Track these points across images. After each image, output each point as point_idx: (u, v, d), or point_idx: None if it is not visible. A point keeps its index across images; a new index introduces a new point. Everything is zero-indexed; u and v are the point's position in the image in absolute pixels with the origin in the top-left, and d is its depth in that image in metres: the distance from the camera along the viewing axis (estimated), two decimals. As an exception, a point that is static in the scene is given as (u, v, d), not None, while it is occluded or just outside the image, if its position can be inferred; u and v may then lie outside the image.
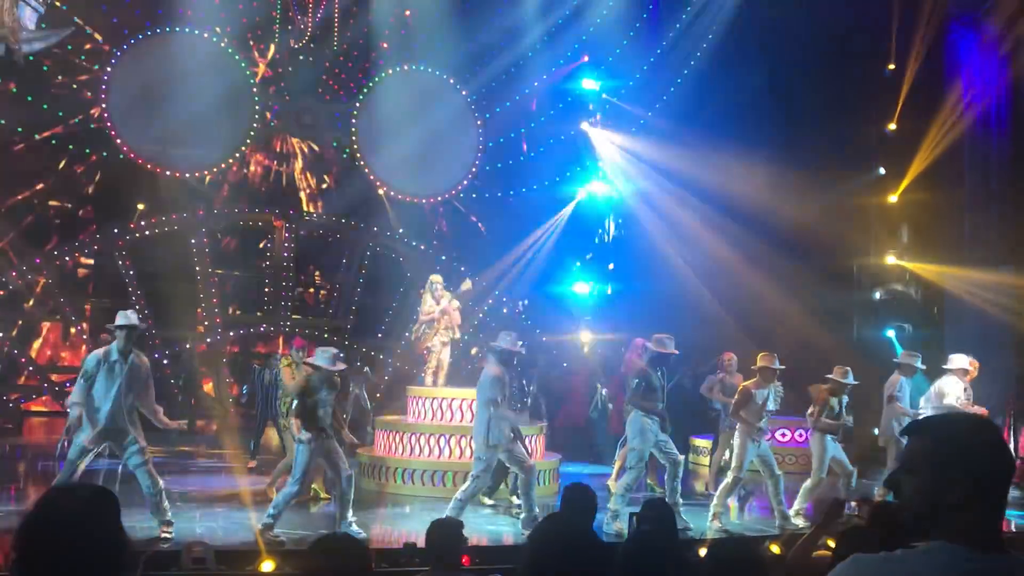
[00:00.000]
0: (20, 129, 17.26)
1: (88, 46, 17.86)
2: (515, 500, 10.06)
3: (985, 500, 1.95)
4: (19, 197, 17.85)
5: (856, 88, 17.03)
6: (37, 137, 17.62)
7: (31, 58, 16.44)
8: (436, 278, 12.84)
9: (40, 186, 18.16)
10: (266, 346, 18.93)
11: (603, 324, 19.32)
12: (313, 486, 10.11)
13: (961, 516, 1.96)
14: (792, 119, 16.77)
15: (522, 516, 9.03)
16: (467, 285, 12.88)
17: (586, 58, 19.75)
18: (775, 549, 7.87)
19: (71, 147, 18.09)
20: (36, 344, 18.91)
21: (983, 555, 1.91)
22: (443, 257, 19.68)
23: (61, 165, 18.33)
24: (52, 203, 18.76)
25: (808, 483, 9.82)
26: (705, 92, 17.51)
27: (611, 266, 20.55)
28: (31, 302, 17.40)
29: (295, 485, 8.26)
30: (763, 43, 17.08)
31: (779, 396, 9.71)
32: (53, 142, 17.85)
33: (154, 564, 6.73)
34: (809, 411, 10.06)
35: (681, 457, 9.47)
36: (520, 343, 9.41)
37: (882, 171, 17.47)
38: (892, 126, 17.21)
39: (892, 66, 16.88)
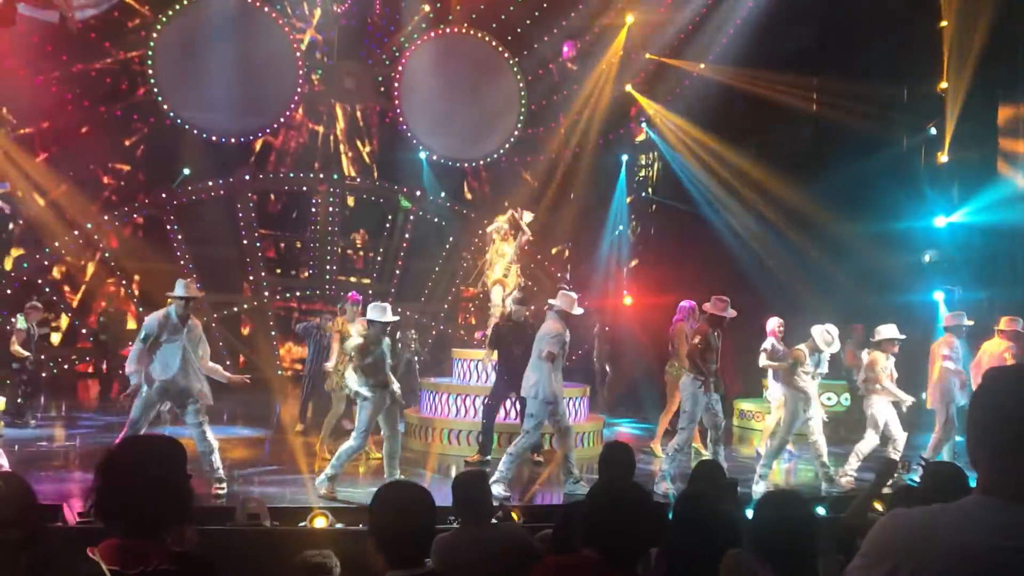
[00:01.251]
0: (69, 97, 17.52)
1: (136, 19, 17.99)
2: (535, 457, 10.39)
3: (1019, 452, 1.95)
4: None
5: (907, 46, 16.60)
6: (86, 104, 17.86)
7: (81, 26, 16.63)
8: (502, 218, 12.75)
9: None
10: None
11: (644, 288, 19.27)
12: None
13: (994, 468, 1.96)
14: (841, 76, 16.40)
15: (564, 477, 9.10)
16: (529, 216, 12.74)
17: (630, 15, 19.45)
18: (821, 511, 7.86)
19: (119, 114, 18.32)
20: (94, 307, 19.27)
21: (1018, 506, 1.92)
22: (485, 221, 19.69)
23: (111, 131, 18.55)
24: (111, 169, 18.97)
25: (861, 445, 9.75)
26: (752, 50, 17.19)
27: (653, 208, 20.33)
28: (92, 266, 17.80)
29: (358, 439, 8.40)
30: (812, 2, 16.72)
31: (826, 361, 9.66)
32: (102, 110, 18.07)
33: (210, 518, 6.90)
34: (861, 376, 9.98)
35: (723, 420, 9.47)
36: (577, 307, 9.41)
37: (933, 131, 17.08)
38: (944, 84, 16.79)
39: (944, 23, 16.44)
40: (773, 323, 11.38)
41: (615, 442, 5.67)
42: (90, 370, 18.11)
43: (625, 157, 20.33)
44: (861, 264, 15.50)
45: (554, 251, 21.11)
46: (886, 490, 5.49)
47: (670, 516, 4.12)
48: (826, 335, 9.50)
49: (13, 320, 12.76)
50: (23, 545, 2.58)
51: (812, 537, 3.19)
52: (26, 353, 12.24)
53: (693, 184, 18.63)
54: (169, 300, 8.32)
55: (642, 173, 21.10)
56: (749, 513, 7.06)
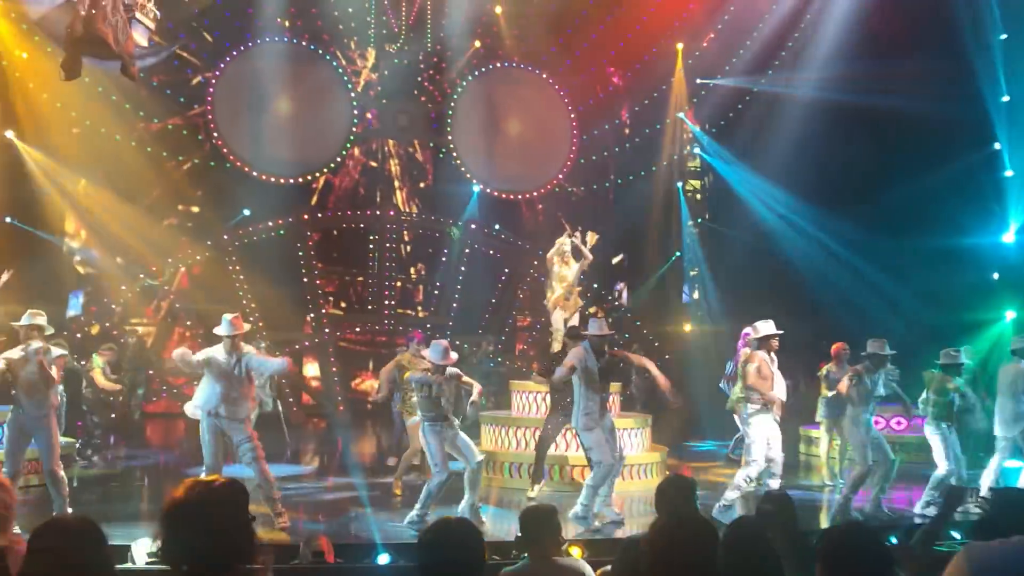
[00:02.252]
0: (133, 143, 18.08)
1: (195, 71, 18.51)
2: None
3: None
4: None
5: (968, 59, 16.27)
6: (149, 149, 18.40)
7: (142, 74, 17.16)
8: (562, 240, 12.49)
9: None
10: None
11: (704, 315, 19.09)
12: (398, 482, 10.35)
13: None
14: (901, 92, 16.11)
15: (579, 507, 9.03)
16: (593, 239, 12.59)
17: (680, 45, 19.43)
18: (893, 540, 7.63)
19: (179, 157, 18.82)
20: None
21: None
22: (540, 252, 19.74)
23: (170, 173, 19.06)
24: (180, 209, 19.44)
25: (938, 472, 9.45)
26: (807, 68, 17.03)
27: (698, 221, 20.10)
28: (164, 307, 18.25)
29: (440, 473, 8.46)
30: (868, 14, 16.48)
31: (892, 381, 9.43)
32: (163, 154, 18.58)
33: (274, 555, 6.93)
34: (922, 397, 9.71)
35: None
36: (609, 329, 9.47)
37: (997, 146, 16.70)
38: (1006, 98, 16.44)
39: (1004, 36, 16.14)
40: (836, 348, 11.16)
41: (674, 475, 5.54)
42: (158, 410, 18.47)
43: (680, 183, 20.23)
44: (926, 283, 15.16)
45: (614, 261, 20.95)
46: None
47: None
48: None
49: (84, 362, 13.09)
50: None
51: (889, 570, 3.09)
52: (117, 387, 12.57)
53: (751, 208, 18.45)
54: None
55: (698, 199, 20.95)
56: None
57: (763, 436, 9.01)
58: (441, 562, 2.96)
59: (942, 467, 9.38)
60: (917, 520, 8.89)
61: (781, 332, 9.29)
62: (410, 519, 8.37)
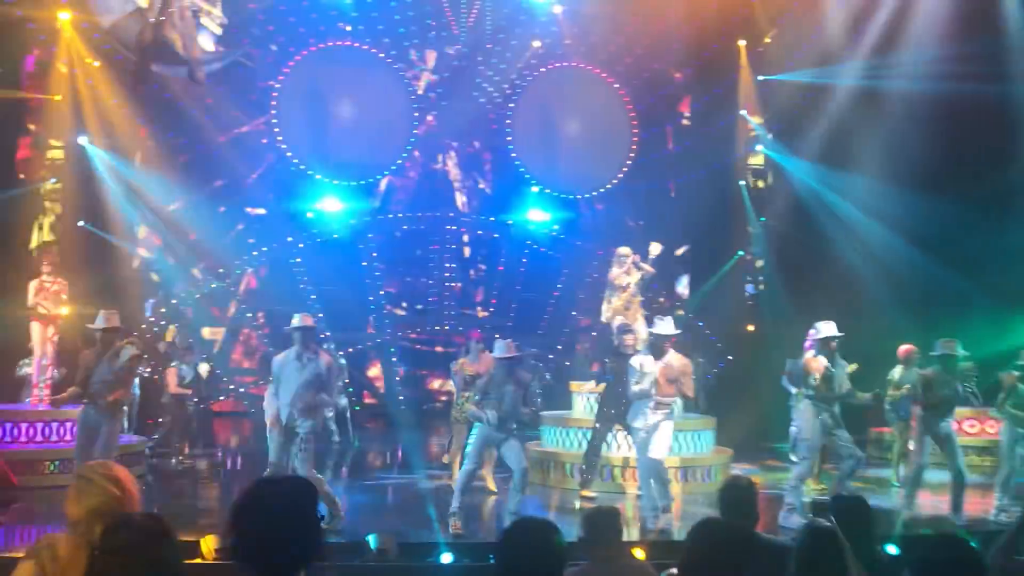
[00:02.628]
0: (200, 148, 18.47)
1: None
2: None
3: None
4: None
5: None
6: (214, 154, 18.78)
7: (208, 79, 17.52)
8: (623, 249, 12.30)
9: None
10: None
11: (768, 316, 18.77)
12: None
13: None
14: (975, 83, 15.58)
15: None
16: (656, 249, 12.43)
17: (742, 41, 19.15)
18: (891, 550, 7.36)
19: (247, 163, 19.17)
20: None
21: None
22: (600, 252, 19.66)
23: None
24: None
25: (1000, 475, 9.21)
26: (875, 58, 16.62)
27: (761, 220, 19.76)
28: (231, 308, 18.62)
29: (470, 463, 8.51)
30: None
31: (968, 382, 9.20)
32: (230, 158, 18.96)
33: (339, 553, 7.01)
34: (999, 398, 9.46)
35: (861, 453, 9.14)
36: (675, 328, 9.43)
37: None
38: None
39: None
40: (905, 351, 10.91)
41: (736, 476, 5.37)
42: (224, 408, 18.84)
43: (743, 182, 19.93)
44: (1004, 281, 14.68)
45: (678, 252, 20.72)
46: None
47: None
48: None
49: (159, 367, 13.44)
50: None
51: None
52: (188, 391, 12.87)
53: (816, 206, 18.09)
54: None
55: (761, 197, 20.58)
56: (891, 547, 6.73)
57: (817, 435, 8.87)
58: (521, 562, 2.93)
59: (1002, 467, 9.14)
60: (993, 527, 8.65)
61: (841, 335, 9.08)
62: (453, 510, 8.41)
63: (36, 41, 16.37)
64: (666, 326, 9.29)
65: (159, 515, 2.76)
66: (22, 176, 16.48)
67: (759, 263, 20.12)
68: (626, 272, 11.96)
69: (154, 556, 2.54)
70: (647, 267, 12.02)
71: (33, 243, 15.55)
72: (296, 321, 8.56)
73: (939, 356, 9.14)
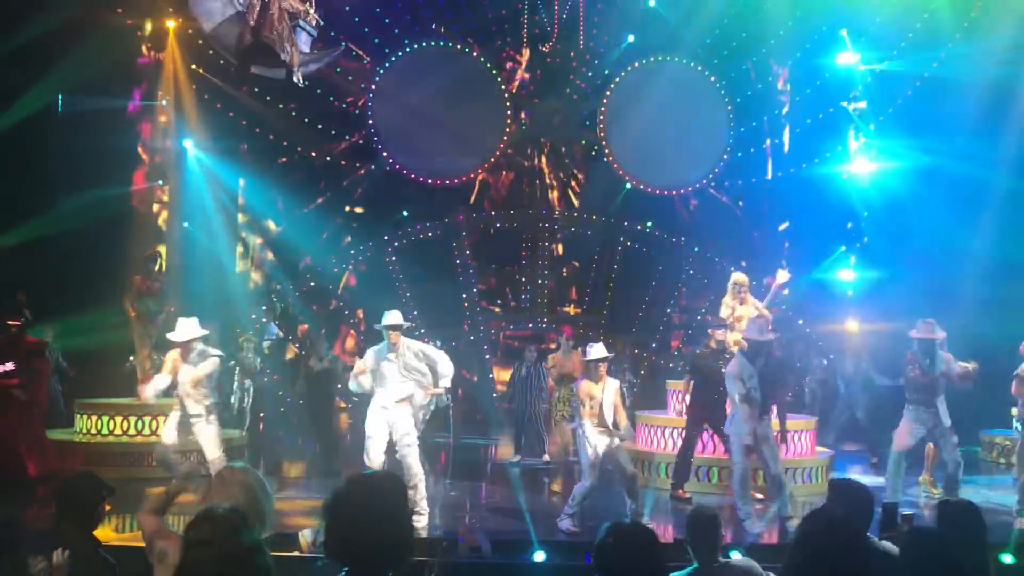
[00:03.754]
0: (299, 149, 18.90)
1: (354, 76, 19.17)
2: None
3: None
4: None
5: None
6: (313, 155, 19.19)
7: (306, 81, 17.91)
8: (739, 277, 11.29)
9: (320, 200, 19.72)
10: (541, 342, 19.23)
11: (872, 312, 18.15)
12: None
13: None
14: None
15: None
16: (783, 276, 11.31)
17: (844, 32, 18.58)
18: (1008, 559, 6.94)
19: (343, 162, 19.54)
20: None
21: None
22: (695, 249, 19.36)
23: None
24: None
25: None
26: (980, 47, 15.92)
27: (863, 238, 19.10)
28: (334, 303, 19.05)
29: (587, 479, 8.35)
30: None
31: None
32: (328, 158, 19.36)
33: (432, 550, 7.03)
34: None
35: (959, 457, 8.76)
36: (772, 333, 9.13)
37: None
38: None
39: None
40: None
41: (843, 479, 5.13)
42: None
43: (844, 175, 19.33)
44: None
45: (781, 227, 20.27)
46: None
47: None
48: None
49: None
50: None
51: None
52: None
53: (913, 201, 17.43)
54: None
55: (856, 192, 19.89)
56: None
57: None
58: (620, 565, 2.89)
59: None
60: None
61: (610, 356, 9.04)
62: (565, 515, 8.33)
63: (143, 47, 17.03)
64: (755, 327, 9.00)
65: (240, 509, 2.79)
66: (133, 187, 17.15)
67: (860, 262, 19.51)
68: (743, 301, 10.86)
69: (234, 548, 2.57)
70: (763, 309, 10.77)
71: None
72: (388, 319, 8.64)
73: None
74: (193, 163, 17.24)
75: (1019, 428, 10.61)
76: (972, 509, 4.31)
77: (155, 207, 17.78)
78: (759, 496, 10.04)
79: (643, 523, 3.10)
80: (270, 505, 3.49)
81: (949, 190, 16.64)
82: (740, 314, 10.65)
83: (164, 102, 17.07)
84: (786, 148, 20.13)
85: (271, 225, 19.52)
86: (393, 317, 8.65)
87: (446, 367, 8.73)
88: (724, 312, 10.88)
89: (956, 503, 4.77)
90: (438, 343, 15.92)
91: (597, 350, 8.72)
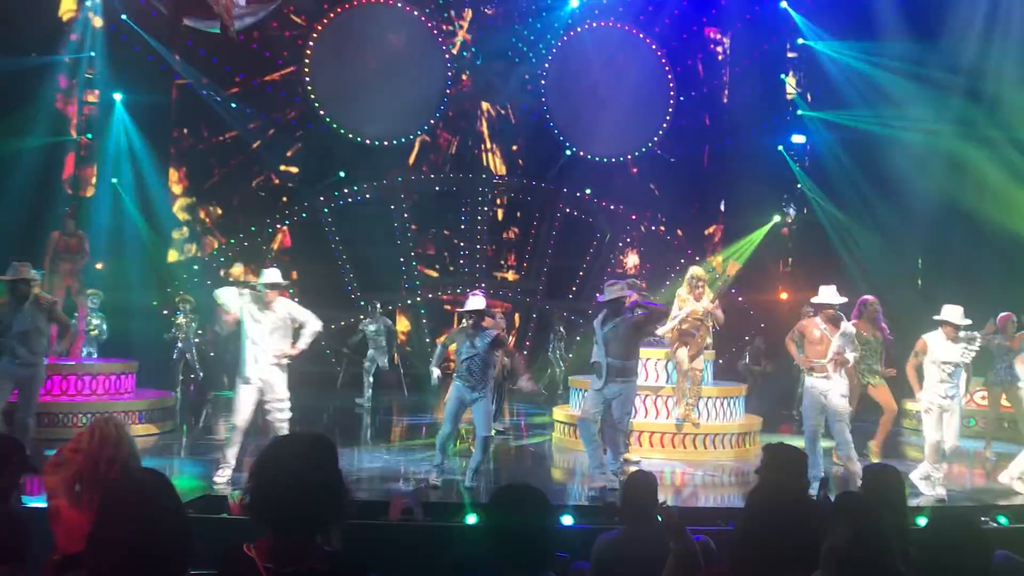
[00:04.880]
0: (234, 105, 18.43)
1: (292, 30, 18.70)
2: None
3: None
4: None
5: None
6: (249, 114, 18.75)
7: (241, 36, 17.44)
8: (698, 271, 10.79)
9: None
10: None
11: (803, 283, 18.50)
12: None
13: None
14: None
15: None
16: (732, 268, 11.19)
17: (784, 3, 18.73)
18: (1002, 520, 7.26)
19: (278, 120, 19.12)
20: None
21: None
22: (633, 217, 19.49)
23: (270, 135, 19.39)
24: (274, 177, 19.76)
25: None
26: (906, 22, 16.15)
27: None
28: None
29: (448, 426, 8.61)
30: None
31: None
32: (262, 116, 18.92)
33: (363, 514, 6.99)
34: None
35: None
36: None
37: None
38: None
39: None
40: (1003, 318, 10.53)
41: (779, 444, 5.22)
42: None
43: (780, 147, 19.57)
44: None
45: (707, 231, 20.58)
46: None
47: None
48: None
49: None
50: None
51: (980, 560, 2.89)
52: None
53: (851, 173, 17.73)
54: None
55: (799, 163, 20.23)
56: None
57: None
58: (512, 526, 2.89)
59: None
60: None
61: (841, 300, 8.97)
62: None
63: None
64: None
65: (159, 472, 2.72)
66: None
67: (793, 233, 19.85)
68: (697, 297, 10.46)
69: (153, 514, 2.50)
70: (719, 315, 10.52)
71: None
72: (266, 278, 8.50)
73: None
74: (121, 117, 16.70)
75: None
76: (894, 473, 4.44)
77: (78, 163, 17.22)
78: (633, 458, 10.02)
79: (531, 484, 3.09)
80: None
81: (881, 160, 16.97)
82: (696, 307, 10.41)
83: (92, 54, 16.47)
84: (725, 118, 20.30)
85: (202, 184, 19.06)
86: (271, 275, 8.49)
87: (312, 327, 8.58)
88: (676, 306, 10.59)
89: (880, 468, 4.91)
90: (377, 306, 15.85)
91: (473, 302, 8.67)
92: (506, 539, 2.92)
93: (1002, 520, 7.25)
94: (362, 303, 17.78)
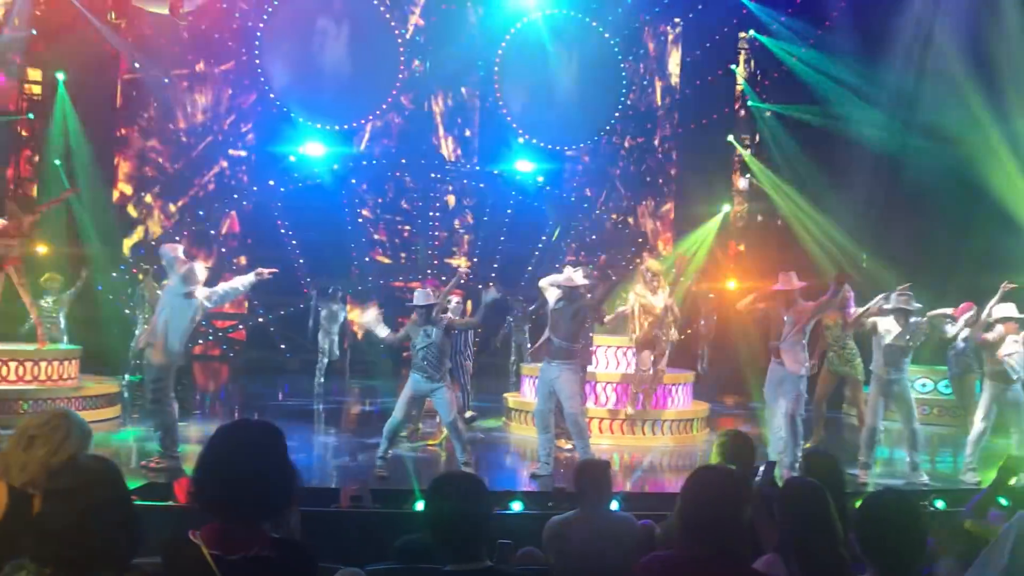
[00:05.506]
0: (185, 85, 18.11)
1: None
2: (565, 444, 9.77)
3: None
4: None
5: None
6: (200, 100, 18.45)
7: (190, 18, 17.15)
8: (654, 265, 10.50)
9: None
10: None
11: (751, 271, 18.78)
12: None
13: None
14: (968, 36, 15.41)
15: None
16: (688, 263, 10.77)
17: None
18: (940, 504, 7.48)
19: (228, 101, 18.85)
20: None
21: None
22: (585, 205, 19.59)
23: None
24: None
25: (973, 434, 9.23)
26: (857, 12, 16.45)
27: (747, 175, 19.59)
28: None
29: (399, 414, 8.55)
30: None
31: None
32: (212, 97, 18.64)
33: (313, 500, 6.97)
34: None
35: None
36: None
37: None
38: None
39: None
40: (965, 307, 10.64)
41: (735, 432, 5.30)
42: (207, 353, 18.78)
43: (730, 137, 19.79)
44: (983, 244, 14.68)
45: (657, 219, 20.72)
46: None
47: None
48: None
49: None
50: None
51: (919, 539, 2.98)
52: None
53: (799, 164, 18.02)
54: None
55: (747, 153, 20.49)
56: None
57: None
58: (448, 513, 2.95)
59: (977, 427, 9.14)
60: (963, 486, 8.74)
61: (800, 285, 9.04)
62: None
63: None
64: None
65: (106, 458, 2.69)
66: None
67: (743, 220, 20.09)
68: (652, 289, 10.25)
69: (98, 500, 2.47)
70: (674, 309, 10.46)
71: None
72: (417, 299, 8.52)
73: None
74: (65, 97, 16.31)
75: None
76: (832, 460, 4.57)
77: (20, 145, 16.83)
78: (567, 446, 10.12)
79: (471, 472, 3.19)
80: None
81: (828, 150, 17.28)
82: (651, 303, 10.17)
83: (34, 31, 16.06)
84: (675, 108, 20.46)
85: (148, 171, 18.75)
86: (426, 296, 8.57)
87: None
88: (630, 300, 10.37)
89: (819, 454, 5.06)
90: (330, 291, 15.77)
91: (419, 296, 8.73)
92: (442, 526, 2.97)
93: (939, 504, 7.46)
94: (312, 290, 17.70)
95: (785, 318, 8.77)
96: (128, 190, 18.56)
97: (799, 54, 17.96)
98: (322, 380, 14.69)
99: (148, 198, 18.83)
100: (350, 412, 13.64)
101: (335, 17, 17.89)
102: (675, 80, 20.78)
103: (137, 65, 17.40)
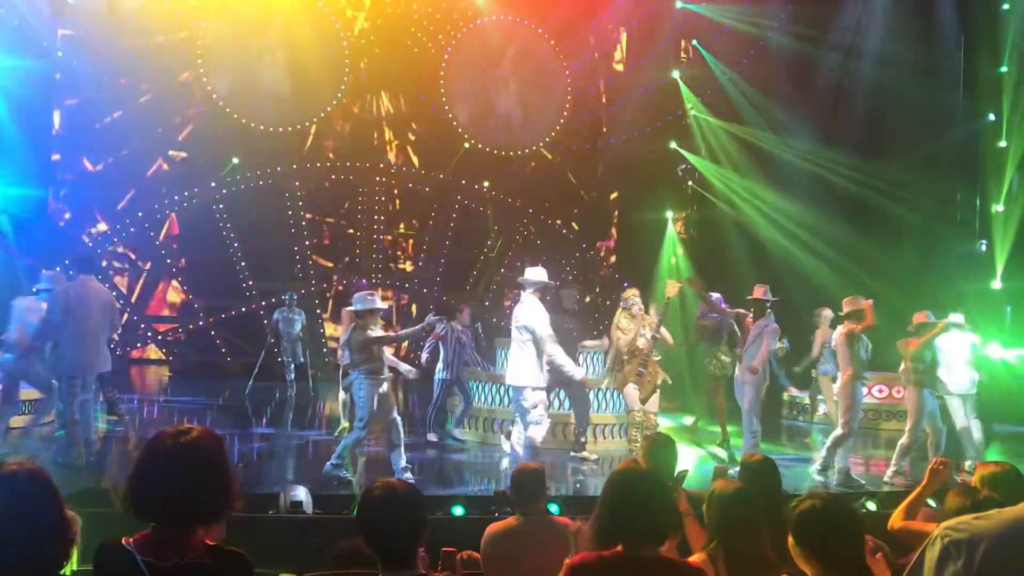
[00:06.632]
0: (123, 81, 17.75)
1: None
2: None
3: None
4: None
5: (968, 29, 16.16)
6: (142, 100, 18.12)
7: (130, 14, 16.87)
8: (632, 293, 9.83)
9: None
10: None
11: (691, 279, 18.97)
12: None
13: None
14: (894, 57, 15.97)
15: None
16: (673, 288, 9.56)
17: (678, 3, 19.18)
18: (871, 506, 7.67)
19: (171, 101, 18.51)
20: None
21: None
22: (531, 211, 19.65)
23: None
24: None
25: (904, 440, 9.48)
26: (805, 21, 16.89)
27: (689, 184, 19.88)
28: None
29: (360, 430, 8.49)
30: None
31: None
32: (152, 96, 18.31)
33: (253, 506, 6.91)
34: (902, 367, 9.74)
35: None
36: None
37: (992, 116, 16.62)
38: (1004, 68, 16.33)
39: (1007, 6, 15.99)
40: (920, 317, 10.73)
41: (658, 434, 5.44)
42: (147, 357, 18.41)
43: (673, 144, 19.99)
44: (918, 251, 15.16)
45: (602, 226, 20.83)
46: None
47: None
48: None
49: None
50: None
51: (855, 537, 3.08)
52: None
53: (739, 172, 18.36)
54: None
55: (688, 162, 20.70)
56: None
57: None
58: (383, 522, 2.96)
59: (909, 434, 9.40)
60: (887, 488, 8.97)
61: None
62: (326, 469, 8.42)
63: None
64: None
65: (38, 467, 2.65)
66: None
67: (683, 231, 20.30)
68: (630, 316, 9.57)
69: (29, 509, 2.44)
70: (665, 336, 9.82)
71: None
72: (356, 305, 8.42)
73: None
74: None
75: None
76: (770, 464, 4.66)
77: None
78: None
79: (407, 480, 3.21)
80: None
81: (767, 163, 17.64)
82: (636, 343, 9.48)
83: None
84: (620, 115, 20.62)
85: (87, 164, 18.36)
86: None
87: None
88: (620, 337, 9.63)
89: (757, 459, 5.14)
90: (277, 299, 15.63)
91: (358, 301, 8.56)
92: (374, 535, 2.97)
93: (870, 506, 7.66)
94: (253, 293, 17.57)
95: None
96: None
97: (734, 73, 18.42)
98: (293, 387, 15.09)
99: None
100: (290, 416, 13.49)
101: (281, 19, 17.71)
102: (620, 86, 20.92)
103: (74, 58, 17.03)
